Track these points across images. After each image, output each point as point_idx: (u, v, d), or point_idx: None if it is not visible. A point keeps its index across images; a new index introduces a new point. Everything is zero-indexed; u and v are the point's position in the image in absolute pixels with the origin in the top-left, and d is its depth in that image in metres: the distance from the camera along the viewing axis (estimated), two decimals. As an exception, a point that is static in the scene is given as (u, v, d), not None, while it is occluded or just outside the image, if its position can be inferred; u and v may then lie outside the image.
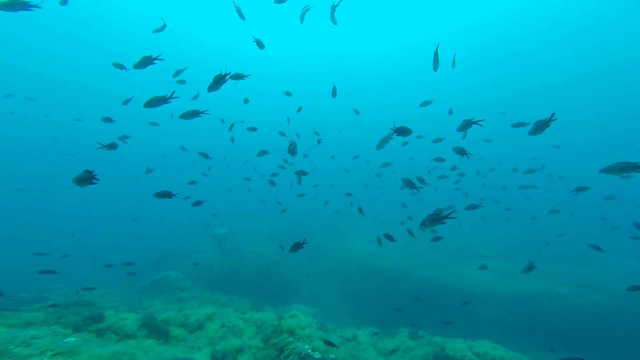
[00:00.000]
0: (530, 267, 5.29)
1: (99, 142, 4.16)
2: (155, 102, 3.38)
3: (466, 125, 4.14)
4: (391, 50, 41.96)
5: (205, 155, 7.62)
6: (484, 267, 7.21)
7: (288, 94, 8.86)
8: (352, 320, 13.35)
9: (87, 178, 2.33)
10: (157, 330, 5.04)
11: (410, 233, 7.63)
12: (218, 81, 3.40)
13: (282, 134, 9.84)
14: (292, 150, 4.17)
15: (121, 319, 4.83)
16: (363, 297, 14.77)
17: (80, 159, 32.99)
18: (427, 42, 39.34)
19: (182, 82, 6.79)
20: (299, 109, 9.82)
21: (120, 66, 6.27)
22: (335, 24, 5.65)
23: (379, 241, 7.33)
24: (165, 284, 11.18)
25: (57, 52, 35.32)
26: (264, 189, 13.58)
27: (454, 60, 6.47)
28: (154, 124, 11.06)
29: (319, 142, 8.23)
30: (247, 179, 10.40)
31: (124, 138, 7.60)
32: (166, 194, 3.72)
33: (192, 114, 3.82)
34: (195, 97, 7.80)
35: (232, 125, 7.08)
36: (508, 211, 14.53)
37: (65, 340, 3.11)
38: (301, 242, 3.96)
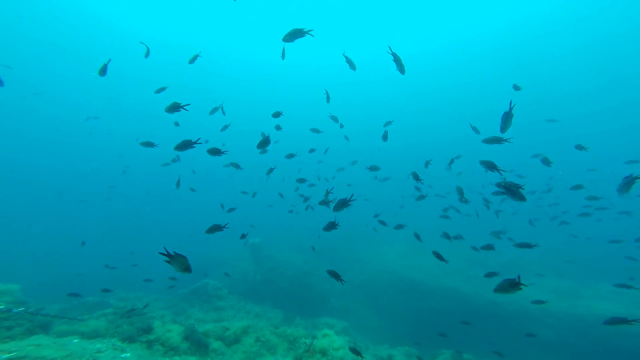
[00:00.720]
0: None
1: (177, 183, 4.85)
2: (184, 145, 3.76)
3: (512, 192, 3.39)
4: (407, 57, 41.38)
5: (236, 166, 8.05)
6: (540, 303, 6.48)
7: (334, 119, 8.66)
8: (384, 336, 12.88)
9: (175, 258, 2.50)
10: (197, 343, 5.40)
11: (447, 236, 7.13)
12: (264, 143, 3.69)
13: (312, 150, 9.98)
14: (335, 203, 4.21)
15: (167, 331, 5.29)
16: (396, 311, 14.19)
17: (137, 172, 36.92)
18: (439, 48, 38.69)
19: (215, 110, 7.36)
20: (341, 126, 9.54)
21: (163, 89, 6.94)
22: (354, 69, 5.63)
23: (418, 237, 6.94)
24: (203, 291, 11.90)
25: (119, 86, 40.81)
26: (298, 202, 13.88)
27: (516, 86, 6.04)
28: (208, 143, 12.09)
29: (354, 163, 8.25)
30: (281, 196, 10.73)
31: (175, 160, 8.41)
32: (217, 228, 4.00)
33: (216, 152, 4.12)
34: (225, 128, 8.29)
35: (271, 169, 7.42)
36: (565, 224, 12.93)
37: (122, 356, 3.52)
38: (340, 277, 4.02)
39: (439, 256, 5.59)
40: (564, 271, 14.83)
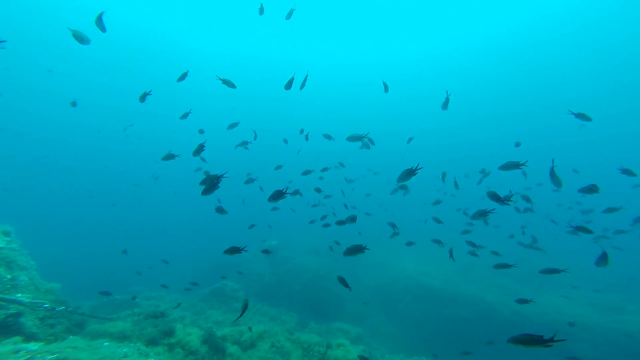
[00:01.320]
0: None
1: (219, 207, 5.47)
2: (209, 188, 3.99)
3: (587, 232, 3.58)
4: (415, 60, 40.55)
5: (250, 180, 8.25)
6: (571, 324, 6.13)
7: (365, 144, 8.22)
8: (399, 344, 12.68)
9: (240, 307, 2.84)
10: (215, 347, 5.68)
11: (472, 244, 6.88)
12: (277, 196, 3.91)
13: (325, 169, 9.96)
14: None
15: (187, 334, 5.61)
16: (413, 319, 13.91)
17: (166, 181, 39.02)
18: (447, 52, 38.07)
19: (235, 125, 7.63)
20: (366, 136, 8.91)
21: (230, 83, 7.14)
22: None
23: (439, 242, 6.77)
24: (222, 293, 12.34)
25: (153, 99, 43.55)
26: (318, 210, 13.98)
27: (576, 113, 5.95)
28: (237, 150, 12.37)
29: (375, 174, 8.19)
30: (300, 194, 10.85)
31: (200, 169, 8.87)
32: (235, 250, 4.24)
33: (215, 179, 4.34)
34: (243, 144, 8.51)
35: (296, 191, 7.65)
36: (603, 237, 11.96)
37: (147, 361, 3.82)
38: (348, 284, 4.14)
39: (450, 254, 5.52)
40: (604, 285, 13.71)
